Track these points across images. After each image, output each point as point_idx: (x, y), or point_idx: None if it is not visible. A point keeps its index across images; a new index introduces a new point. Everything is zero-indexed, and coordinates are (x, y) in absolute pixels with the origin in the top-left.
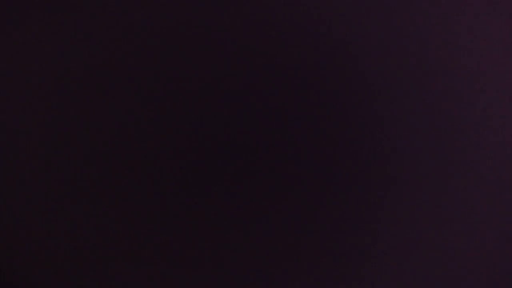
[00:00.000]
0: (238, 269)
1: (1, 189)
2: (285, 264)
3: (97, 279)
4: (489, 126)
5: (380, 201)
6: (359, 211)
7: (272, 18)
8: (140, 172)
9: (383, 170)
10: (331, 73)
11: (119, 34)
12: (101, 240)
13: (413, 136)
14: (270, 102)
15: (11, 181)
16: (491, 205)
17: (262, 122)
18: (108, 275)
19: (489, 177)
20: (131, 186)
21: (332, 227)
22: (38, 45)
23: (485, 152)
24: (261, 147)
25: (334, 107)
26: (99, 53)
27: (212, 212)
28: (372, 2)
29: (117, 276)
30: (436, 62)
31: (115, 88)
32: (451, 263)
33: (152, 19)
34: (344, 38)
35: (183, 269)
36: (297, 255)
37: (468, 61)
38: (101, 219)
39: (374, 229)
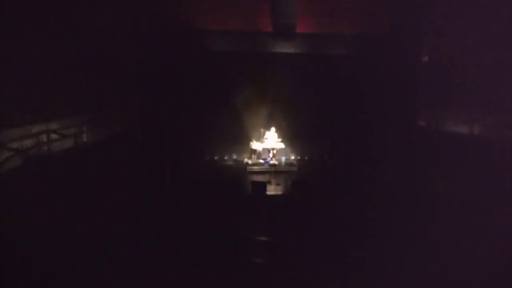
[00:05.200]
0: (238, 268)
1: (2, 190)
2: (285, 264)
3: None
4: (489, 126)
5: (379, 201)
6: (359, 211)
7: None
8: (140, 174)
9: (382, 170)
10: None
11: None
12: (101, 242)
13: (412, 137)
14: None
15: (13, 181)
16: (491, 205)
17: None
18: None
19: (489, 178)
20: (131, 186)
21: (332, 227)
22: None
23: (485, 152)
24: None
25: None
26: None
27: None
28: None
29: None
30: (436, 63)
31: (115, 88)
32: (451, 263)
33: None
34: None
35: (182, 269)
36: (297, 256)
37: (468, 60)
38: (101, 218)
39: (374, 229)
